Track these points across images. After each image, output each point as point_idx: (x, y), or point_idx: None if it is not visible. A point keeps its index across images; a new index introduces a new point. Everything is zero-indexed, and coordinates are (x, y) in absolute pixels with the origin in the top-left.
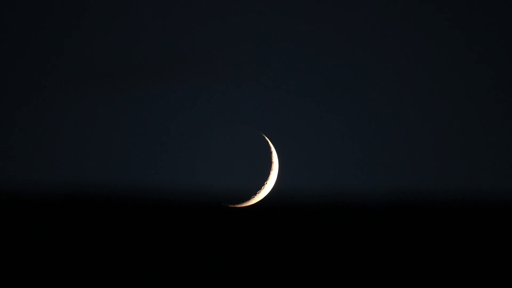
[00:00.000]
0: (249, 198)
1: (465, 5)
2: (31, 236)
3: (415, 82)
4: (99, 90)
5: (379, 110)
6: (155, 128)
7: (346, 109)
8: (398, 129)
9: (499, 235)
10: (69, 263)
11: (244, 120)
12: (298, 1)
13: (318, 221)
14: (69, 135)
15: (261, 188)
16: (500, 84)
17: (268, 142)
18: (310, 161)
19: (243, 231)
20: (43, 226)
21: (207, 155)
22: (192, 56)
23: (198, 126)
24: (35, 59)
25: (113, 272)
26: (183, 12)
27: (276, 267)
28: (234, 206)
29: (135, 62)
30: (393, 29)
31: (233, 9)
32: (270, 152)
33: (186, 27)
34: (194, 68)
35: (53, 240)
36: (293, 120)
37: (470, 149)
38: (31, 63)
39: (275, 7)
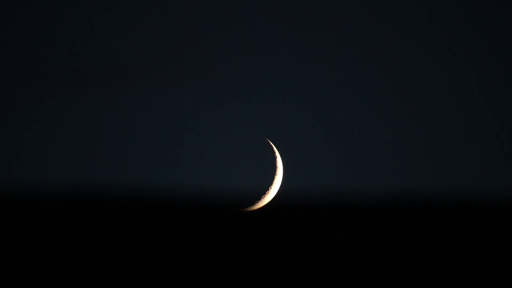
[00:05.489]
0: (253, 203)
1: (462, 6)
2: (31, 236)
3: (416, 83)
4: (108, 89)
5: (381, 112)
6: (160, 132)
7: (348, 111)
8: (399, 130)
9: (499, 235)
10: (69, 263)
11: (248, 125)
12: (301, 3)
13: (322, 226)
14: (75, 135)
15: (265, 193)
16: (500, 85)
17: (272, 147)
18: (314, 166)
19: (248, 235)
20: (43, 226)
21: (212, 160)
22: (196, 60)
23: (203, 131)
24: (34, 60)
25: (114, 273)
26: (188, 14)
27: (279, 270)
28: (239, 210)
29: (141, 63)
30: (394, 29)
31: (240, 14)
32: (275, 157)
33: (192, 29)
34: (197, 71)
35: (53, 240)
36: (297, 125)
37: (470, 149)
38: (30, 64)
39: (279, 12)
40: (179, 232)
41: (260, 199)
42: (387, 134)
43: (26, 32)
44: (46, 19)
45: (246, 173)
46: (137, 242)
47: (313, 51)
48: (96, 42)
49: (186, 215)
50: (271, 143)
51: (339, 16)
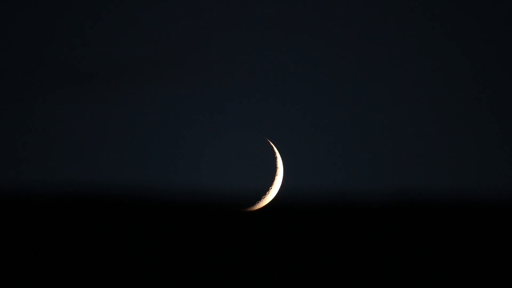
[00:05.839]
0: (254, 203)
1: (462, 7)
2: (31, 236)
3: (416, 83)
4: (108, 89)
5: (381, 112)
6: (160, 132)
7: (349, 111)
8: (399, 130)
9: (499, 235)
10: (70, 263)
11: (249, 125)
12: (301, 3)
13: (323, 226)
14: (75, 135)
15: (266, 193)
16: (500, 84)
17: (272, 147)
18: (314, 166)
19: (248, 236)
20: (43, 226)
21: (212, 160)
22: (196, 60)
23: (203, 131)
24: (34, 60)
25: (114, 273)
26: (188, 14)
27: (279, 270)
28: (239, 210)
29: (141, 63)
30: (393, 29)
31: (240, 13)
32: (275, 157)
33: (192, 29)
34: (197, 71)
35: (53, 240)
36: (297, 125)
37: (470, 149)
38: (30, 64)
39: (279, 11)
40: (179, 232)
41: (260, 199)
42: (387, 134)
43: (25, 32)
44: (45, 19)
45: (247, 173)
46: (137, 242)
47: (313, 51)
48: (96, 42)
49: (186, 215)
50: (271, 143)
51: (339, 16)
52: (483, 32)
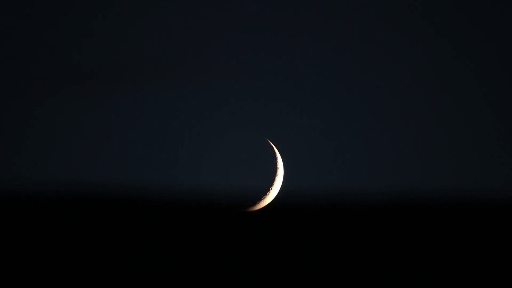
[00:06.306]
0: (254, 203)
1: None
2: (31, 236)
3: (416, 83)
4: (108, 90)
5: (381, 112)
6: (160, 132)
7: (349, 112)
8: (399, 130)
9: (499, 235)
10: (69, 263)
11: (249, 125)
12: (302, 4)
13: (323, 226)
14: (75, 135)
15: (266, 193)
16: (500, 84)
17: (273, 148)
18: (314, 166)
19: (249, 236)
20: (43, 226)
21: (213, 160)
22: (196, 60)
23: (204, 132)
24: (35, 61)
25: (114, 273)
26: (188, 14)
27: (280, 270)
28: (240, 211)
29: (141, 63)
30: (393, 29)
31: (240, 13)
32: (275, 158)
33: (192, 29)
34: (197, 72)
35: (53, 240)
36: (297, 125)
37: (470, 149)
38: (31, 65)
39: (280, 12)
40: (179, 232)
41: (261, 200)
42: (387, 134)
43: (26, 32)
44: (46, 19)
45: (247, 174)
46: (137, 242)
47: (313, 52)
48: (96, 43)
49: (186, 215)
50: (271, 143)
51: (338, 16)
52: (483, 32)
